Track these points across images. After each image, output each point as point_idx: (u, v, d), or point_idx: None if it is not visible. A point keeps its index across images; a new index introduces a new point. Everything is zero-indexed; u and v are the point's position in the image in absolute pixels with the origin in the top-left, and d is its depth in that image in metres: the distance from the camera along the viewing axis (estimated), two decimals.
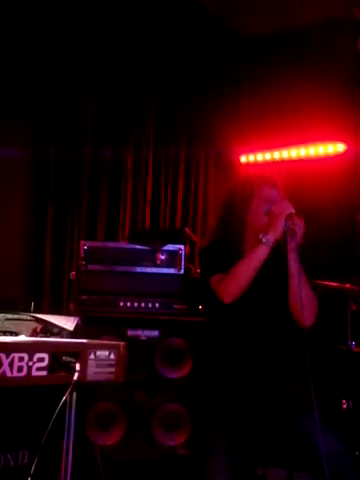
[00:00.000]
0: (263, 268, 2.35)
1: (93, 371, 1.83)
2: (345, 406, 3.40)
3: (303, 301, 2.37)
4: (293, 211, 2.29)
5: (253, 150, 4.69)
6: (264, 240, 2.32)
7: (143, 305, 3.30)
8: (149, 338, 3.30)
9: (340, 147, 4.38)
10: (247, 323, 2.44)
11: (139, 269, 3.36)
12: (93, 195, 4.42)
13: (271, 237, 2.32)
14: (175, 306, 3.31)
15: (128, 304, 3.29)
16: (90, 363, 1.82)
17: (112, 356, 1.87)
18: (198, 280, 2.68)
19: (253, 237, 2.46)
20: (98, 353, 1.84)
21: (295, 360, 2.28)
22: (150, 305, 3.30)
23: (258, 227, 2.45)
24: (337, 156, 4.39)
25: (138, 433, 3.25)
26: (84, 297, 3.28)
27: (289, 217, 2.28)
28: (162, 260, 3.36)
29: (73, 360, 1.78)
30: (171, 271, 3.35)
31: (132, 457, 3.21)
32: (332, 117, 4.17)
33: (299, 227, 2.30)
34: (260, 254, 2.34)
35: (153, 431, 3.25)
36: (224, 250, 2.47)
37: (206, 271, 2.48)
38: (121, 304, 3.29)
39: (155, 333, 3.31)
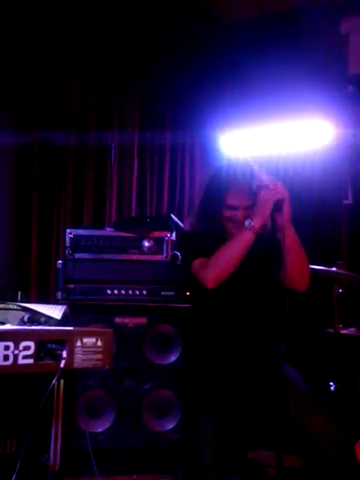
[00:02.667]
0: (248, 253, 2.34)
1: (80, 358, 1.83)
2: (332, 388, 3.44)
3: (302, 270, 2.38)
4: (281, 196, 2.26)
5: (238, 136, 4.68)
6: (249, 226, 2.30)
7: (130, 292, 3.30)
8: (137, 325, 3.30)
9: (325, 131, 4.37)
10: (231, 308, 2.43)
11: (126, 256, 3.35)
12: (78, 182, 4.39)
13: (257, 223, 2.29)
14: (162, 293, 3.31)
15: (115, 292, 3.29)
16: (77, 350, 1.82)
17: (99, 343, 1.87)
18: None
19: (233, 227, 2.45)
20: (85, 340, 1.84)
21: (281, 341, 2.28)
22: (137, 292, 3.30)
23: (229, 228, 2.44)
24: (323, 140, 4.39)
25: (128, 420, 3.26)
26: (71, 285, 3.27)
27: (277, 203, 2.26)
28: (149, 247, 3.36)
29: (60, 348, 1.78)
30: (158, 258, 3.35)
31: (123, 444, 3.23)
32: (318, 102, 4.17)
33: (286, 211, 2.27)
34: (245, 240, 2.31)
35: (143, 417, 3.26)
36: (206, 234, 2.46)
37: (188, 255, 2.47)
38: (108, 292, 3.28)
39: (143, 320, 3.31)
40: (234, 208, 2.42)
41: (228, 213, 2.43)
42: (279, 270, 2.26)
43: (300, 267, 2.38)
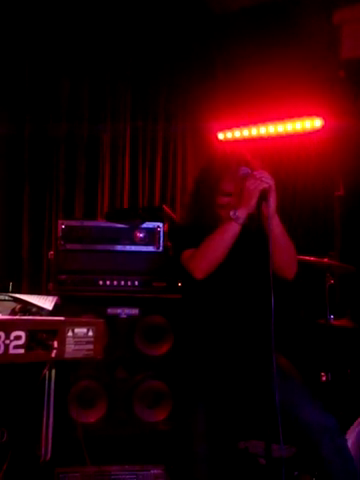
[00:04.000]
0: (236, 243, 2.34)
1: (71, 348, 1.83)
2: (324, 378, 3.45)
3: (288, 258, 2.38)
4: (267, 186, 2.25)
5: (230, 127, 4.68)
6: (235, 217, 2.30)
7: (122, 283, 3.29)
8: (129, 316, 3.30)
9: (317, 123, 4.37)
10: (221, 298, 2.44)
11: (118, 247, 3.34)
12: (70, 173, 4.38)
13: (242, 214, 2.29)
14: (154, 284, 3.31)
15: (107, 282, 3.28)
16: (68, 340, 1.82)
17: (90, 333, 1.87)
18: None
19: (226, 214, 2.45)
20: (76, 330, 1.84)
21: (272, 331, 2.29)
22: (129, 283, 3.30)
23: (218, 216, 2.44)
24: (315, 132, 4.39)
25: (120, 410, 3.26)
26: (63, 276, 3.26)
27: (263, 193, 2.26)
28: (141, 238, 3.35)
29: (51, 338, 1.78)
30: (150, 249, 3.34)
31: (114, 434, 3.23)
32: (309, 93, 4.17)
33: (272, 201, 2.27)
34: (231, 231, 2.31)
35: (134, 408, 3.27)
36: (197, 226, 2.46)
37: (178, 247, 2.47)
38: (100, 283, 3.27)
39: (135, 311, 3.31)
40: (228, 194, 2.42)
41: (222, 200, 2.43)
42: (267, 260, 2.27)
43: (287, 256, 2.39)
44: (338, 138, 4.24)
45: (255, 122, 4.58)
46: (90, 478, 2.90)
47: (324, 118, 4.33)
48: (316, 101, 4.26)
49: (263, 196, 2.25)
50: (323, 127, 4.35)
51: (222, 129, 4.71)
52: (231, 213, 2.30)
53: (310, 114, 4.37)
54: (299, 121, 4.42)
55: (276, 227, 2.30)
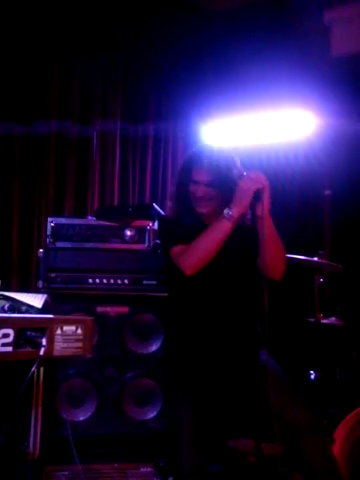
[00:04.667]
0: (227, 241, 2.34)
1: (60, 346, 1.82)
2: (313, 377, 3.47)
3: (278, 260, 2.40)
4: (260, 186, 2.26)
5: (221, 126, 4.68)
6: (228, 215, 2.31)
7: (112, 281, 3.29)
8: (119, 314, 3.29)
9: (308, 122, 4.39)
10: (209, 295, 2.44)
11: (107, 245, 3.33)
12: (60, 171, 4.37)
13: (235, 212, 2.30)
14: (144, 282, 3.30)
15: (97, 281, 3.27)
16: (57, 338, 1.82)
17: (79, 331, 1.87)
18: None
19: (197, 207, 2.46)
20: (65, 328, 1.83)
21: (258, 330, 2.30)
22: (119, 281, 3.29)
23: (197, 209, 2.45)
24: (305, 131, 4.40)
25: (109, 409, 3.25)
26: (52, 274, 3.25)
27: (257, 193, 2.27)
28: (130, 236, 3.34)
29: (39, 335, 1.77)
30: (140, 247, 3.34)
31: (103, 432, 3.22)
32: (299, 89, 4.18)
33: (266, 201, 2.28)
34: (223, 229, 2.32)
35: (124, 406, 3.26)
36: (185, 221, 2.46)
37: (167, 242, 2.47)
38: (90, 281, 3.26)
39: (125, 309, 3.30)
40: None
41: (192, 188, 2.45)
42: (257, 259, 2.28)
43: (276, 256, 2.40)
44: (328, 137, 4.26)
45: (245, 121, 4.58)
46: (79, 477, 2.90)
47: (314, 116, 4.34)
48: (307, 99, 4.27)
49: (257, 196, 2.26)
50: (313, 125, 4.36)
51: (212, 128, 4.71)
52: (225, 211, 2.31)
53: (301, 114, 4.38)
54: (289, 119, 4.42)
55: (268, 227, 2.31)
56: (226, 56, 4.55)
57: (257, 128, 4.55)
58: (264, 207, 2.27)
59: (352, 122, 4.11)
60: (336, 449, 2.72)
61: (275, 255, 2.37)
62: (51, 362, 2.79)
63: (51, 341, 1.81)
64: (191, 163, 2.47)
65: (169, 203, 2.66)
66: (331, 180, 4.34)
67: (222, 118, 4.64)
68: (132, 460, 3.10)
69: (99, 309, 3.27)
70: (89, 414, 3.22)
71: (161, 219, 2.83)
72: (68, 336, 1.85)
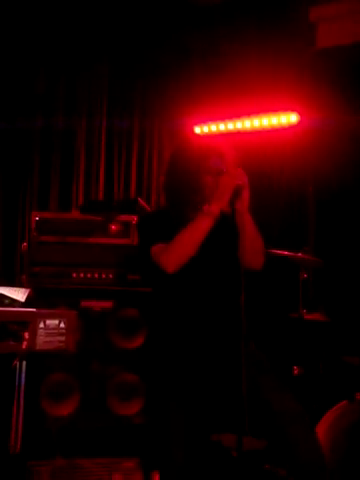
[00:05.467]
0: (208, 236, 2.35)
1: (43, 340, 1.82)
2: (296, 372, 3.48)
3: (256, 251, 2.40)
4: (241, 182, 2.28)
5: (206, 120, 4.68)
6: (208, 212, 2.31)
7: (96, 276, 3.28)
8: (103, 309, 3.28)
9: (293, 117, 4.40)
10: (191, 291, 2.44)
11: (92, 240, 3.32)
12: (44, 166, 4.35)
13: (215, 209, 2.31)
14: (129, 277, 3.30)
15: (81, 275, 3.26)
16: (40, 332, 1.81)
17: (62, 325, 1.86)
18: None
19: (196, 205, 2.46)
20: (48, 322, 1.83)
21: (243, 322, 2.30)
22: (103, 276, 3.28)
23: (202, 187, 2.44)
24: (290, 127, 4.41)
25: (93, 403, 3.25)
26: (37, 269, 3.23)
27: (237, 189, 2.28)
28: (115, 231, 3.34)
29: (22, 329, 1.77)
30: (124, 242, 3.33)
31: (87, 427, 3.22)
32: (285, 87, 4.19)
33: (245, 198, 2.30)
34: (204, 225, 2.32)
35: (108, 401, 3.25)
36: (166, 218, 2.45)
37: (147, 239, 2.46)
38: (74, 275, 3.25)
39: (109, 304, 3.29)
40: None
41: (207, 179, 2.43)
42: (237, 254, 2.29)
43: (255, 250, 2.41)
44: (313, 132, 4.27)
45: (231, 116, 4.58)
46: (62, 471, 2.89)
47: (299, 113, 4.35)
48: (292, 95, 4.28)
49: (236, 192, 2.27)
50: (298, 122, 4.38)
51: (198, 123, 4.71)
52: (205, 208, 2.32)
53: (286, 109, 4.39)
54: (275, 116, 4.43)
55: (248, 223, 2.33)
56: (213, 51, 4.55)
57: (243, 123, 4.55)
58: (243, 203, 2.28)
59: (337, 116, 4.13)
60: None
61: (253, 249, 2.39)
62: (35, 356, 2.78)
63: (34, 335, 1.80)
64: (205, 153, 2.45)
65: (164, 193, 2.63)
66: (315, 175, 4.36)
67: (208, 113, 4.64)
68: (115, 455, 3.10)
69: (83, 303, 3.26)
70: (72, 409, 3.21)
71: (141, 217, 2.82)
72: (51, 330, 1.85)
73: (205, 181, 2.44)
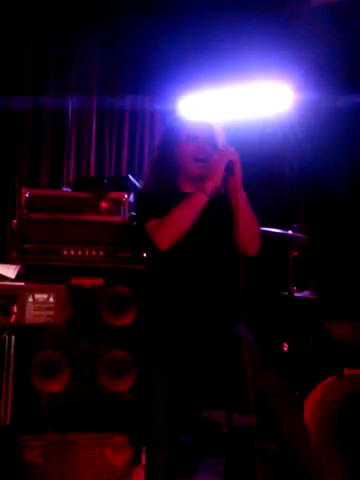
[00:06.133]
0: (202, 213, 2.36)
1: (32, 314, 1.82)
2: (286, 349, 3.51)
3: (252, 234, 2.42)
4: (232, 158, 2.29)
5: (197, 97, 4.66)
6: (202, 189, 2.32)
7: (87, 253, 3.27)
8: (93, 286, 3.29)
9: (284, 94, 4.38)
10: (184, 268, 2.45)
11: (82, 217, 3.31)
12: (35, 143, 4.33)
13: (209, 186, 2.32)
14: (119, 254, 3.30)
15: (72, 252, 3.26)
16: (28, 306, 1.82)
17: (51, 299, 1.87)
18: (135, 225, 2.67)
19: (187, 181, 2.46)
20: (36, 296, 1.83)
21: (236, 301, 2.32)
22: (94, 253, 3.28)
23: (191, 172, 2.45)
24: (281, 103, 4.40)
25: (84, 380, 3.27)
26: (27, 246, 3.23)
27: (229, 165, 2.29)
28: (106, 208, 3.33)
29: (10, 303, 1.77)
30: (115, 219, 3.33)
31: (78, 403, 3.24)
32: (277, 63, 4.17)
33: (237, 174, 2.31)
34: (198, 202, 2.34)
35: (99, 377, 3.27)
36: (160, 195, 2.46)
37: (142, 216, 2.47)
38: (64, 252, 3.25)
39: (99, 281, 3.30)
40: (195, 138, 2.43)
41: (191, 147, 2.42)
42: (232, 232, 2.30)
43: (251, 231, 2.42)
44: (305, 110, 4.27)
45: (222, 95, 4.56)
46: (53, 446, 2.92)
47: (291, 91, 4.34)
48: (284, 74, 4.27)
49: (229, 169, 2.29)
50: (290, 100, 4.37)
51: (189, 103, 4.69)
52: (199, 185, 2.33)
53: (277, 87, 4.38)
54: (266, 94, 4.42)
55: (241, 200, 2.33)
56: (204, 30, 4.52)
57: (234, 102, 4.53)
58: (236, 180, 2.29)
59: (329, 95, 4.12)
60: (306, 419, 2.78)
61: (249, 229, 2.39)
62: (25, 333, 2.79)
63: (22, 309, 1.81)
64: (191, 135, 2.46)
65: (148, 175, 2.65)
66: (305, 154, 4.36)
67: (200, 92, 4.61)
68: (106, 430, 3.13)
69: (74, 281, 3.27)
70: (63, 385, 3.23)
71: (138, 194, 2.82)
72: (40, 304, 1.85)
73: (194, 168, 2.45)
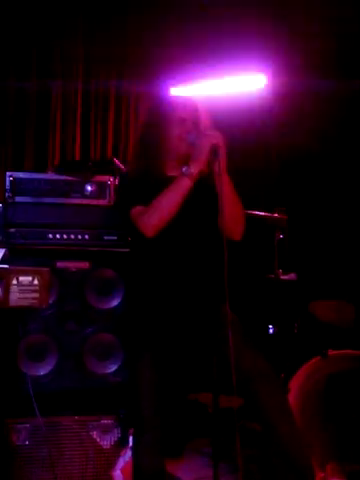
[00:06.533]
0: (187, 200, 2.35)
1: (16, 296, 1.82)
2: (271, 331, 3.54)
3: (237, 218, 2.42)
4: (217, 141, 2.28)
5: (181, 82, 4.64)
6: (187, 173, 2.31)
7: (72, 237, 3.27)
8: (79, 269, 3.29)
9: (261, 79, 4.38)
10: (170, 252, 2.45)
11: (68, 200, 3.30)
12: (19, 126, 4.30)
13: (194, 170, 2.31)
14: (105, 237, 3.30)
15: (57, 236, 3.25)
16: (13, 288, 1.81)
17: (36, 282, 1.86)
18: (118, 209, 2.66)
19: (173, 164, 2.45)
20: (21, 278, 1.83)
21: (221, 284, 2.32)
22: (79, 237, 3.27)
23: (177, 154, 2.44)
24: (258, 88, 4.40)
25: (70, 363, 3.28)
26: (11, 229, 3.22)
27: (214, 149, 2.28)
28: (91, 191, 3.32)
29: None
30: (100, 202, 3.32)
31: (65, 386, 3.25)
32: (253, 49, 4.17)
33: (222, 158, 2.30)
34: (183, 187, 2.32)
35: (85, 361, 3.28)
36: (144, 178, 2.44)
37: (127, 202, 2.45)
38: (50, 236, 3.24)
39: (85, 264, 3.29)
40: (182, 121, 2.43)
41: (177, 129, 2.42)
42: (217, 217, 2.30)
43: (235, 215, 2.41)
44: (281, 93, 4.28)
45: (202, 78, 4.56)
46: (40, 429, 2.93)
47: (267, 75, 4.34)
48: (260, 58, 4.26)
49: (214, 152, 2.27)
50: (266, 84, 4.37)
51: (174, 84, 4.66)
52: (183, 169, 2.32)
53: (254, 71, 4.37)
54: (243, 77, 4.41)
55: (226, 184, 2.33)
56: (188, 11, 4.50)
57: (214, 86, 4.51)
58: (221, 163, 2.28)
59: (304, 77, 4.14)
60: (290, 399, 2.81)
61: (233, 213, 2.39)
62: (10, 316, 2.79)
63: (6, 291, 1.80)
64: (179, 119, 2.45)
65: (132, 157, 2.63)
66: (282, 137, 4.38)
67: (182, 75, 4.60)
68: (93, 412, 3.14)
69: (59, 264, 3.26)
70: (50, 368, 3.24)
71: (121, 177, 2.80)
72: (24, 287, 1.85)
73: (179, 149, 2.44)
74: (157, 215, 2.34)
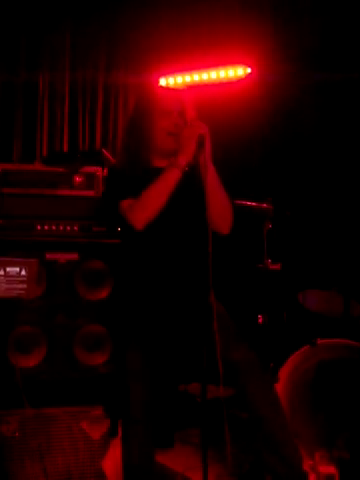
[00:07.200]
0: (176, 189, 2.34)
1: (4, 287, 1.82)
2: (261, 321, 3.55)
3: (224, 211, 2.42)
4: (203, 132, 2.28)
5: (168, 73, 4.63)
6: (175, 164, 2.31)
7: (61, 228, 3.27)
8: (68, 261, 3.28)
9: (241, 71, 4.37)
10: (160, 245, 2.45)
11: (56, 192, 3.29)
12: (7, 117, 4.28)
13: (182, 161, 2.30)
14: (94, 228, 3.29)
15: (46, 227, 3.25)
16: (0, 279, 1.80)
17: (23, 272, 1.86)
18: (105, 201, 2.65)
19: (160, 156, 2.45)
20: (8, 269, 1.82)
21: (209, 277, 2.32)
22: (68, 228, 3.27)
23: (164, 146, 2.44)
24: (241, 79, 4.39)
25: (60, 354, 3.28)
26: (0, 221, 3.21)
27: (200, 139, 2.28)
28: (80, 182, 3.31)
29: None
30: (89, 193, 3.31)
31: (54, 378, 3.25)
32: (237, 40, 4.16)
33: (208, 149, 2.30)
34: (171, 179, 2.32)
35: (75, 352, 3.29)
36: (132, 170, 2.43)
37: (115, 194, 2.43)
38: (38, 227, 3.24)
39: (74, 256, 3.29)
40: (169, 113, 2.42)
41: (164, 122, 2.42)
42: (204, 212, 2.29)
43: (221, 206, 2.41)
44: (265, 84, 4.28)
45: (190, 69, 4.54)
46: (30, 420, 2.92)
47: (250, 66, 4.34)
48: (244, 49, 4.26)
49: (200, 143, 2.27)
50: (250, 74, 4.36)
51: (162, 74, 4.65)
52: (171, 160, 2.31)
53: (238, 61, 4.36)
54: (227, 68, 4.40)
55: (211, 175, 2.32)
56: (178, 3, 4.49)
57: (200, 75, 4.50)
58: (206, 154, 2.28)
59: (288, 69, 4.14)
60: (279, 388, 2.82)
61: (219, 204, 2.38)
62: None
63: None
64: (166, 111, 2.44)
65: (120, 149, 2.63)
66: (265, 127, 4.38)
67: (170, 66, 4.58)
68: (83, 404, 3.14)
69: (48, 256, 3.26)
70: (39, 360, 3.24)
71: (110, 170, 2.79)
72: (12, 277, 1.84)
73: (166, 141, 2.43)
74: (146, 208, 2.33)
